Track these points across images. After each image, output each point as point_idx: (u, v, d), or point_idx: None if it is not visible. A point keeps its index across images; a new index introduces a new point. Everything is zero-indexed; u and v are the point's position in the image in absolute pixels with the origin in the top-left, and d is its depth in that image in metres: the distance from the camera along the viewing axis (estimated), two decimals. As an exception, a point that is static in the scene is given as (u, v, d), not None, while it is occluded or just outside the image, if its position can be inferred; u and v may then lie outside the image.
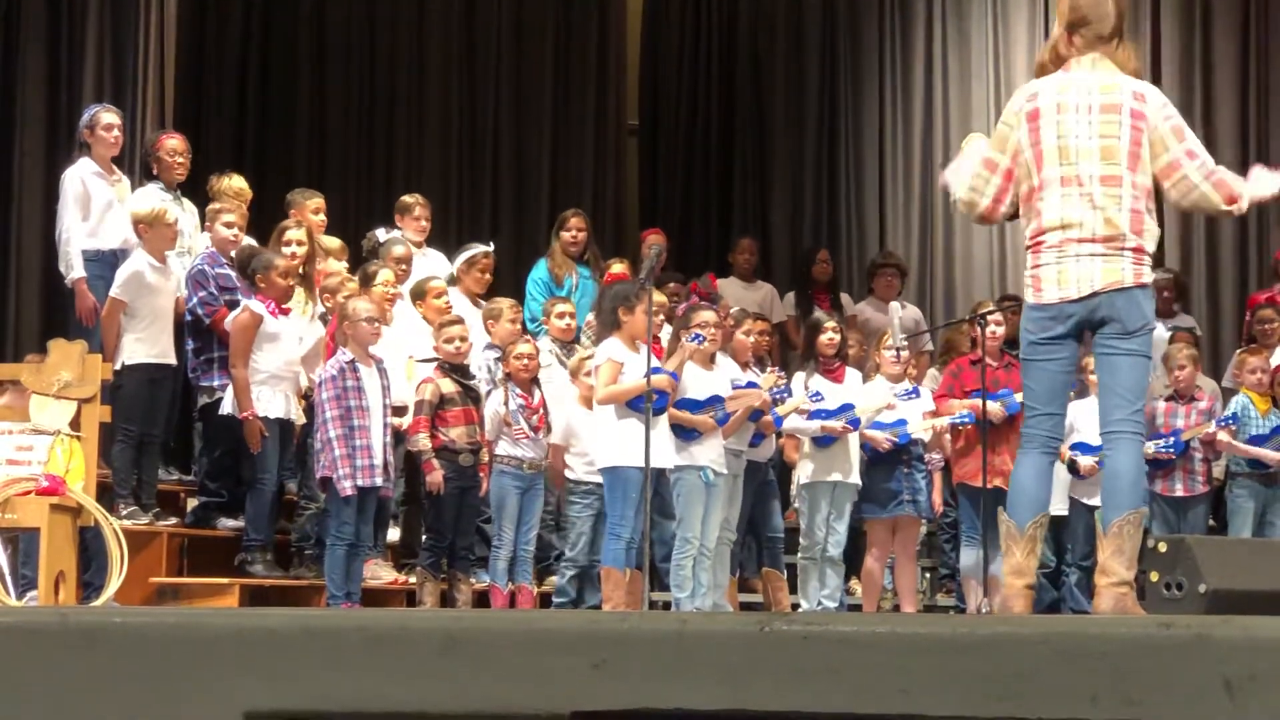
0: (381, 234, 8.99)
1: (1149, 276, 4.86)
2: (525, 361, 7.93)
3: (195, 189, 8.62)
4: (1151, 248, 4.86)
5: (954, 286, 11.82)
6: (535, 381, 8.06)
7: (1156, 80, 11.26)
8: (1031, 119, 4.89)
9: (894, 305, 8.72)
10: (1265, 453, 8.44)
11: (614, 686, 2.25)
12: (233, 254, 7.98)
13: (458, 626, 2.32)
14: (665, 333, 8.01)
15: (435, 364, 7.93)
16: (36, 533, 6.02)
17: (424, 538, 7.86)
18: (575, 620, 2.37)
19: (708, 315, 7.63)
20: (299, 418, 7.80)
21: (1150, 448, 8.22)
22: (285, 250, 7.99)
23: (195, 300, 7.80)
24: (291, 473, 8.01)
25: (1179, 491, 8.51)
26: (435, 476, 7.65)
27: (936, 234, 11.93)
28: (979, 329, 8.26)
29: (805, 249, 11.33)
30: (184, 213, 8.26)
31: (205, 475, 7.97)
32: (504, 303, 8.56)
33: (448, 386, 7.76)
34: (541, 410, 7.97)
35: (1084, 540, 8.15)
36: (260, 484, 7.53)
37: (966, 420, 8.07)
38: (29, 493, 6.04)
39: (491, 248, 9.29)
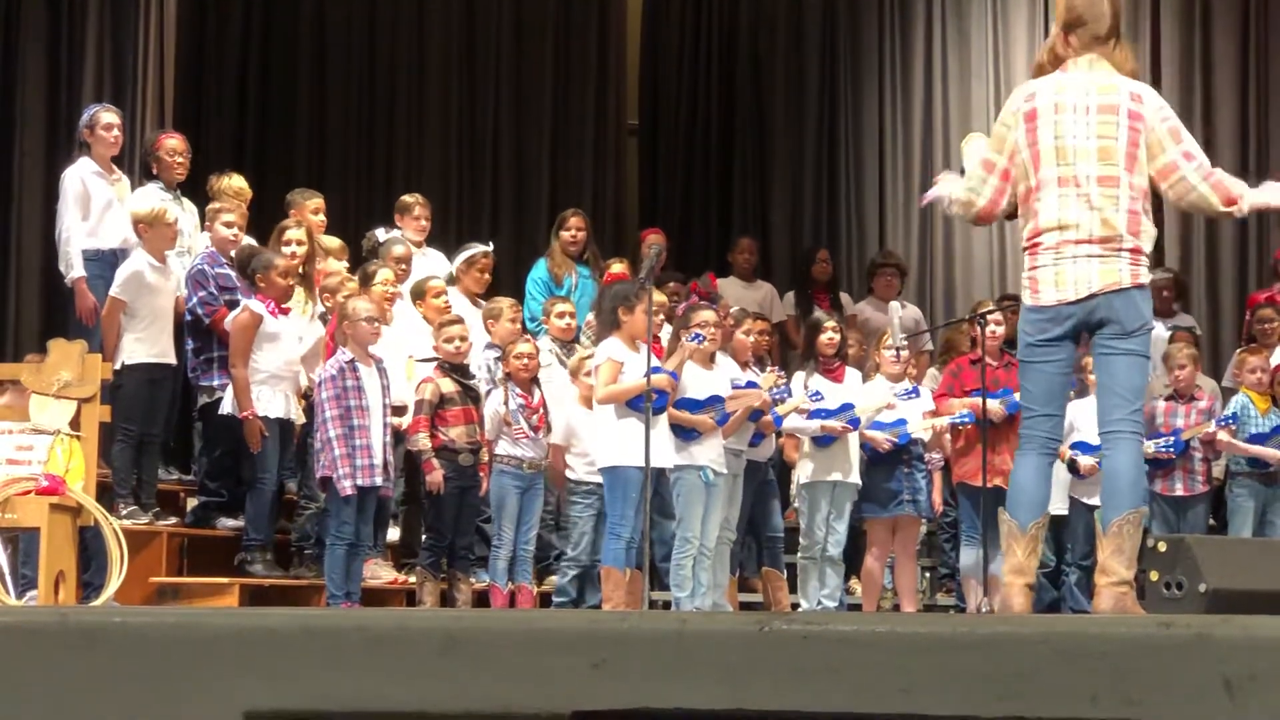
0: (381, 234, 8.99)
1: (1146, 277, 4.86)
2: (525, 361, 7.93)
3: (195, 189, 8.62)
4: (1148, 248, 4.87)
5: (954, 286, 11.83)
6: (535, 381, 8.05)
7: (1156, 80, 11.28)
8: (1029, 119, 4.89)
9: (894, 305, 8.72)
10: (1266, 451, 8.44)
11: (614, 686, 2.25)
12: (232, 254, 7.99)
13: (457, 626, 2.31)
14: (665, 332, 8.01)
15: (435, 363, 7.93)
16: (36, 532, 6.02)
17: (424, 537, 7.86)
18: (575, 620, 2.37)
19: (707, 315, 7.63)
20: (299, 417, 7.80)
21: (1150, 447, 8.23)
22: (285, 250, 7.99)
23: (195, 300, 7.81)
24: (291, 472, 8.01)
25: (1179, 491, 8.51)
26: (435, 476, 7.65)
27: (936, 234, 11.93)
28: (979, 328, 8.27)
29: (805, 249, 11.33)
30: (184, 212, 8.26)
31: (205, 475, 7.97)
32: (504, 302, 8.57)
33: (447, 386, 7.76)
34: (541, 410, 7.97)
35: (1084, 540, 8.16)
36: (260, 484, 7.53)
37: (967, 420, 8.07)
38: (29, 492, 6.04)
39: (490, 247, 9.29)
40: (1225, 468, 8.65)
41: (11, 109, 9.51)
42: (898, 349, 8.25)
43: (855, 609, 8.16)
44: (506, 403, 7.88)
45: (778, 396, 7.86)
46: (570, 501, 8.02)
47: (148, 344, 7.66)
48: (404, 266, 8.70)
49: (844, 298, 10.67)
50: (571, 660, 2.26)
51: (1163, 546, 4.97)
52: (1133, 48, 5.24)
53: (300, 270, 8.01)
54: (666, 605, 7.64)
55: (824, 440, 8.01)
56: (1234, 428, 8.45)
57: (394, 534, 8.42)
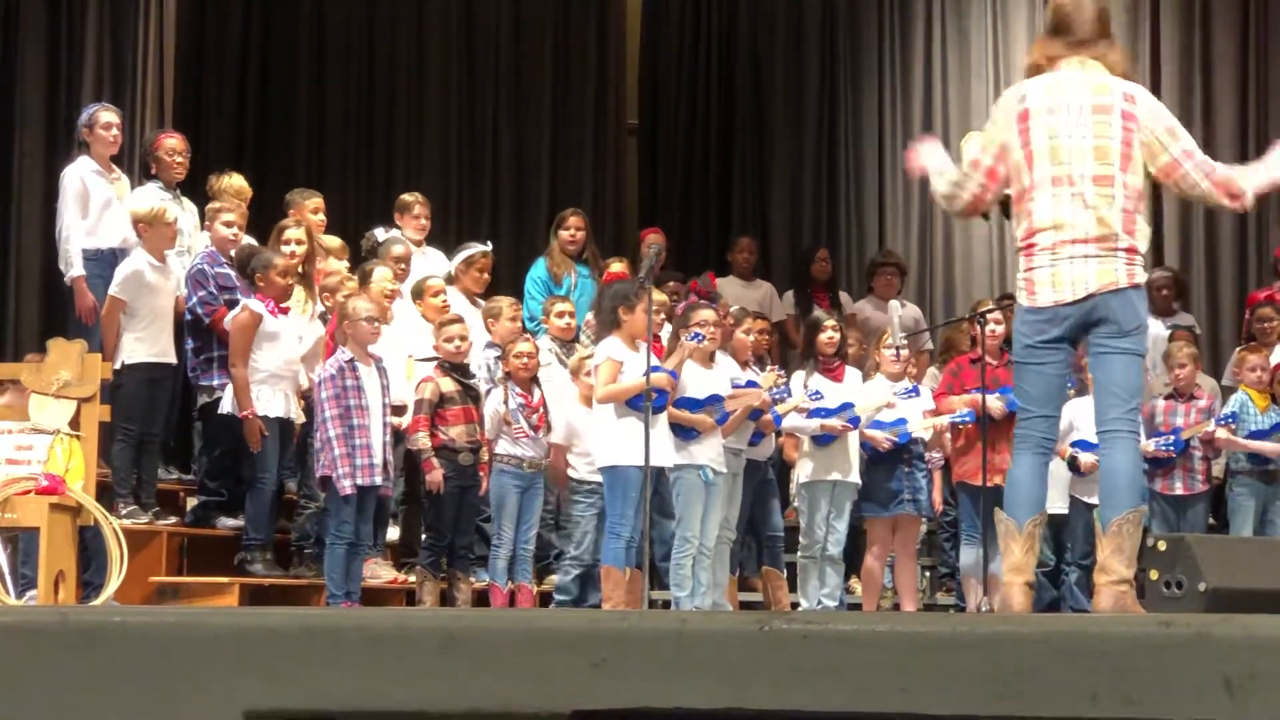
0: (381, 233, 8.99)
1: (1142, 276, 4.87)
2: (525, 360, 7.92)
3: (195, 188, 8.62)
4: (1144, 248, 4.88)
5: (953, 285, 11.83)
6: (535, 380, 8.05)
7: (1156, 80, 11.29)
8: (1022, 120, 4.90)
9: (893, 304, 8.72)
10: (1266, 445, 8.44)
11: (614, 685, 2.25)
12: (232, 253, 7.98)
13: (457, 626, 2.31)
14: (666, 331, 8.01)
15: (435, 363, 7.93)
16: (36, 532, 6.02)
17: (424, 537, 7.86)
18: (575, 619, 2.37)
19: (707, 314, 7.63)
20: (299, 417, 7.80)
21: (1150, 445, 8.24)
22: (284, 249, 7.99)
23: (195, 299, 7.80)
24: (291, 472, 8.01)
25: (1179, 490, 8.51)
26: (435, 475, 7.65)
27: (936, 233, 11.93)
28: (979, 327, 8.27)
29: (805, 248, 11.33)
30: (183, 212, 8.26)
31: (205, 474, 7.97)
32: (504, 301, 8.56)
33: (447, 385, 7.76)
34: (541, 409, 7.97)
35: (1084, 539, 8.15)
36: (260, 483, 7.53)
37: (967, 419, 8.07)
38: (29, 492, 6.04)
39: (489, 247, 9.28)
40: (1225, 466, 8.65)
41: (11, 108, 9.50)
42: (897, 348, 8.25)
43: (855, 608, 8.16)
44: (506, 402, 7.87)
45: (777, 396, 7.86)
46: (572, 501, 8.01)
47: (147, 343, 7.65)
48: (403, 266, 8.69)
49: (843, 297, 10.67)
50: (571, 660, 2.26)
51: (1162, 545, 4.98)
52: (1126, 48, 5.26)
53: (300, 270, 8.01)
54: (666, 605, 7.64)
55: (824, 439, 8.01)
56: (1233, 426, 8.45)
57: (394, 533, 8.42)
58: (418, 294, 8.51)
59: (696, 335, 7.39)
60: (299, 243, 8.09)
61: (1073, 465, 8.21)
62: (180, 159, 8.34)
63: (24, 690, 2.34)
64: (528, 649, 2.28)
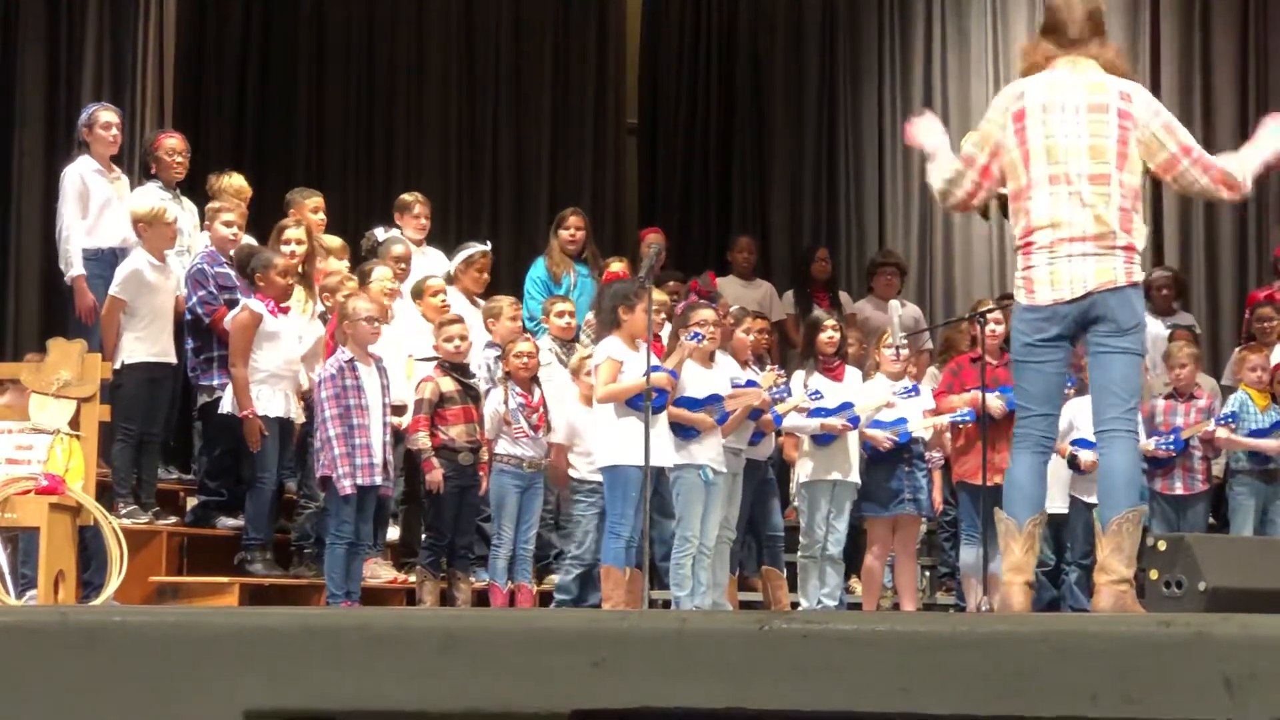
0: (380, 233, 8.99)
1: (1140, 275, 4.89)
2: (525, 360, 7.92)
3: (195, 188, 8.62)
4: (1141, 246, 4.90)
5: (953, 285, 11.83)
6: (535, 380, 8.05)
7: (1156, 80, 11.28)
8: (1018, 119, 4.91)
9: (893, 303, 8.73)
10: (1266, 443, 8.44)
11: (614, 685, 2.25)
12: (232, 253, 7.98)
13: (457, 625, 2.31)
14: (666, 331, 8.01)
15: (435, 363, 7.93)
16: (36, 532, 6.02)
17: (423, 536, 7.86)
18: (575, 619, 2.37)
19: (706, 314, 7.63)
20: (299, 416, 7.80)
21: (1150, 444, 8.25)
22: (284, 249, 7.99)
23: (195, 299, 7.80)
24: (291, 472, 8.01)
25: (1179, 490, 8.51)
26: (435, 475, 7.65)
27: (936, 232, 11.93)
28: (979, 327, 8.26)
29: (804, 248, 11.33)
30: (183, 212, 8.26)
31: (205, 474, 7.97)
32: (504, 301, 8.56)
33: (447, 385, 7.76)
34: (541, 409, 7.97)
35: (1084, 538, 8.15)
36: (260, 483, 7.53)
37: (967, 418, 8.07)
38: (28, 492, 6.04)
39: (489, 247, 9.28)
40: (1225, 466, 8.65)
41: (11, 108, 9.50)
42: (897, 347, 8.26)
43: (855, 608, 8.16)
44: (506, 402, 7.87)
45: (777, 395, 7.85)
46: (573, 500, 8.01)
47: (147, 343, 7.65)
48: (403, 265, 8.69)
49: (843, 296, 10.67)
50: (571, 659, 2.26)
51: (1162, 545, 4.98)
52: (1120, 46, 5.27)
53: (300, 269, 8.01)
54: (666, 604, 7.64)
55: (824, 439, 8.01)
56: (1233, 426, 8.45)
57: (394, 533, 8.42)
58: (418, 294, 8.51)
59: (696, 335, 7.39)
60: (299, 242, 8.09)
61: (1073, 463, 8.21)
62: (180, 159, 8.34)
63: (24, 690, 2.34)
64: (528, 649, 2.28)
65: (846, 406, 8.00)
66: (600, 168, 12.28)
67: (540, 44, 12.26)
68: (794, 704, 2.22)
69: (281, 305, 7.69)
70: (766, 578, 8.16)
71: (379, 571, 8.01)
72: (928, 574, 9.15)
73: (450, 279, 8.93)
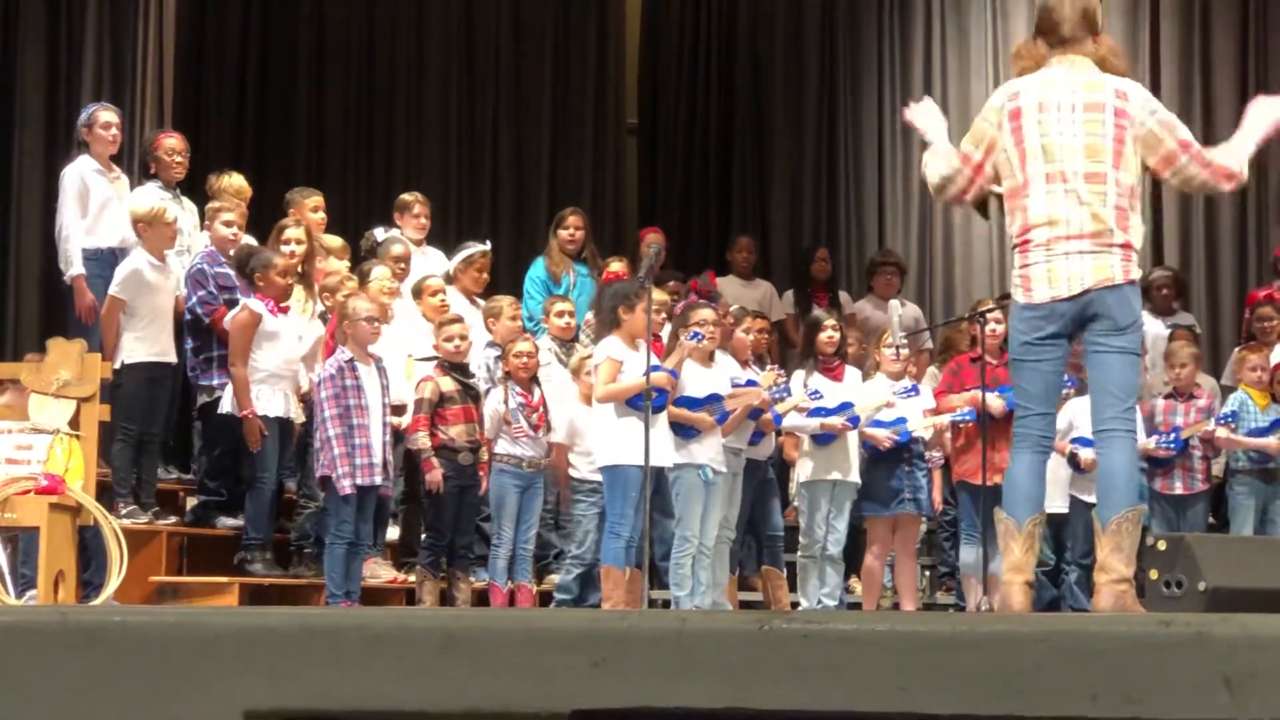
0: (380, 233, 8.99)
1: (1137, 273, 4.90)
2: (524, 359, 7.92)
3: (194, 188, 8.62)
4: (1138, 244, 4.90)
5: (953, 284, 11.83)
6: (535, 380, 8.05)
7: (1156, 80, 11.29)
8: (1013, 118, 4.93)
9: (893, 303, 8.73)
10: (1266, 441, 8.43)
11: (614, 685, 2.25)
12: (231, 253, 7.98)
13: (457, 625, 2.31)
14: (666, 331, 8.00)
15: (435, 362, 7.93)
16: (36, 532, 6.02)
17: (423, 536, 7.86)
18: (575, 619, 2.37)
19: (706, 313, 7.63)
20: (298, 416, 7.80)
21: (1151, 441, 8.26)
22: (284, 249, 7.99)
23: (194, 299, 7.81)
24: (291, 471, 8.01)
25: (1178, 490, 8.51)
26: (435, 475, 7.65)
27: (936, 232, 11.94)
28: (979, 327, 8.27)
29: (804, 247, 11.33)
30: (183, 211, 8.26)
31: (205, 474, 7.97)
32: (504, 301, 8.56)
33: (447, 385, 7.76)
34: (541, 409, 7.97)
35: (1084, 538, 8.14)
36: (260, 483, 7.53)
37: (968, 418, 8.07)
38: (28, 492, 6.04)
39: (488, 246, 9.28)
40: (1225, 466, 8.65)
41: (11, 108, 9.50)
42: (897, 347, 8.26)
43: (855, 608, 8.16)
44: (506, 401, 7.87)
45: (777, 395, 7.85)
46: (574, 500, 8.01)
47: (147, 343, 7.66)
48: (402, 265, 8.69)
49: (843, 296, 10.67)
50: (571, 659, 2.26)
51: (1162, 545, 4.97)
52: (1116, 44, 5.29)
53: (299, 269, 8.01)
54: (666, 604, 7.63)
55: (824, 439, 8.01)
56: (1233, 425, 8.45)
57: (393, 533, 8.42)
58: (417, 293, 8.51)
59: (696, 334, 7.39)
60: (298, 242, 8.09)
61: (1073, 461, 8.20)
62: (180, 159, 8.34)
63: (24, 690, 2.34)
64: (527, 649, 2.28)
65: (846, 406, 8.00)
66: (600, 168, 12.28)
67: (540, 44, 12.27)
68: (794, 704, 2.22)
69: (281, 305, 7.69)
70: (766, 577, 8.16)
71: (379, 571, 8.01)
72: (927, 574, 9.15)
73: (450, 279, 8.93)
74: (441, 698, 2.27)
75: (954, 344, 9.06)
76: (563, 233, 9.51)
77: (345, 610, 5.47)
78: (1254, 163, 5.14)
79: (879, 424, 8.09)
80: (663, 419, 7.24)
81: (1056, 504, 7.81)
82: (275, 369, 7.59)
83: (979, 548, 7.90)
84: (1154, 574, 4.94)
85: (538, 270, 9.48)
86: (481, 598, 7.96)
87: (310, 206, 8.77)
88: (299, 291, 7.94)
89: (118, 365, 7.45)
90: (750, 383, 7.81)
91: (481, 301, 8.85)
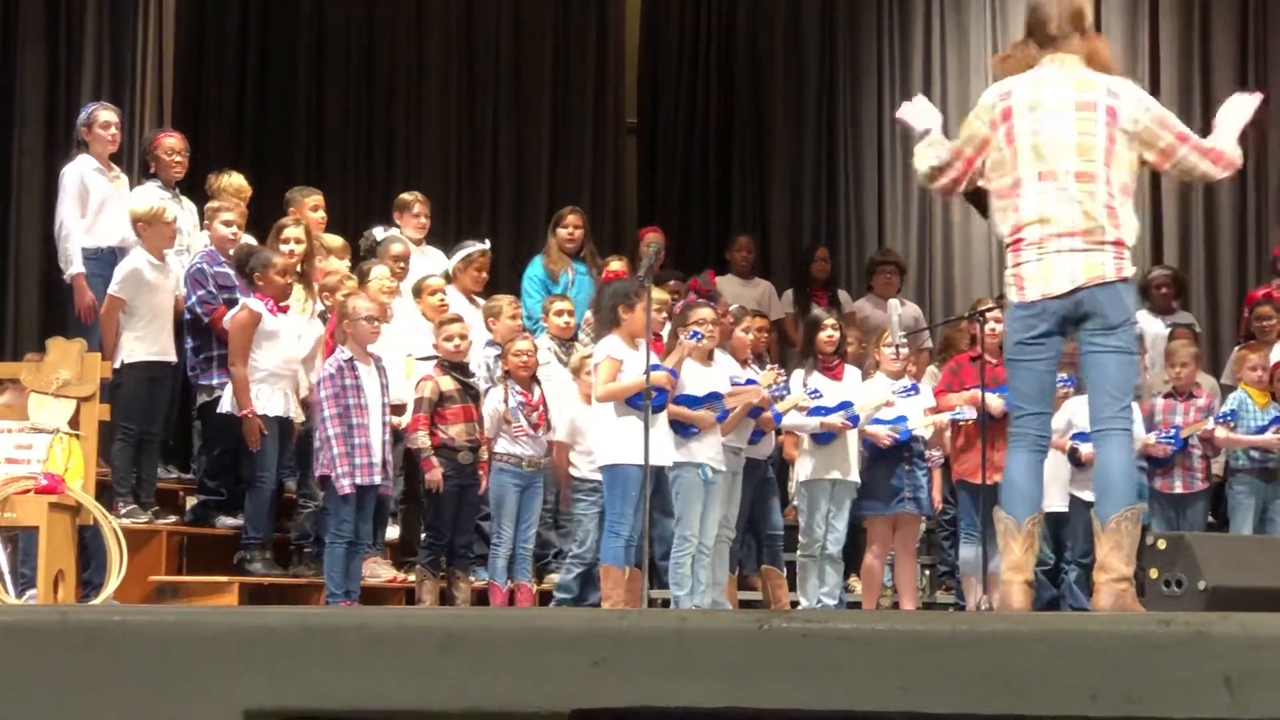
0: (379, 232, 8.98)
1: (1130, 270, 4.91)
2: (524, 358, 7.92)
3: (194, 187, 8.61)
4: (1131, 241, 4.91)
5: (953, 284, 11.83)
6: (535, 379, 8.05)
7: (1156, 80, 11.28)
8: (1005, 117, 4.95)
9: (893, 302, 8.73)
10: (1266, 439, 8.43)
11: (613, 684, 2.25)
12: (231, 252, 7.98)
13: (457, 625, 2.31)
14: (666, 330, 8.00)
15: (434, 362, 7.93)
16: (35, 531, 6.02)
17: (423, 536, 7.86)
18: (574, 618, 2.37)
19: (705, 312, 7.63)
20: (298, 416, 7.79)
21: (1151, 437, 8.26)
22: (283, 248, 7.99)
23: (194, 298, 7.80)
24: (291, 471, 8.00)
25: (1178, 489, 8.51)
26: (434, 474, 7.65)
27: (935, 231, 11.93)
28: (978, 326, 8.26)
29: (804, 247, 11.34)
30: (182, 211, 8.26)
31: (204, 473, 7.96)
32: (504, 300, 8.56)
33: (447, 384, 7.76)
34: (541, 408, 7.97)
35: (1083, 537, 8.13)
36: (259, 482, 7.53)
37: (968, 417, 8.07)
38: (28, 491, 6.04)
39: (488, 246, 9.28)
40: (1225, 465, 8.65)
41: (10, 107, 9.49)
42: (897, 346, 8.26)
43: (855, 607, 8.16)
44: (506, 401, 7.87)
45: (777, 394, 7.85)
46: (574, 499, 8.01)
47: (147, 342, 7.65)
48: (402, 265, 8.69)
49: (843, 295, 10.67)
50: (571, 658, 2.26)
51: (1162, 544, 4.97)
52: (1106, 43, 5.32)
53: (299, 268, 8.00)
54: (666, 603, 7.63)
55: (823, 438, 8.01)
56: (1233, 424, 8.46)
57: (393, 532, 8.42)
58: (417, 293, 8.51)
59: (695, 333, 7.39)
60: (298, 241, 8.08)
61: (1074, 457, 8.19)
62: (179, 158, 8.34)
63: (24, 690, 2.34)
64: (527, 648, 2.28)
65: (846, 405, 8.00)
66: (600, 167, 12.28)
67: (540, 44, 12.27)
68: (794, 703, 2.22)
69: (281, 304, 7.69)
70: (766, 577, 8.16)
71: (378, 571, 8.01)
72: (927, 573, 9.15)
73: (449, 278, 8.93)
74: (441, 697, 2.27)
75: (954, 343, 9.06)
76: (561, 231, 9.51)
77: (345, 610, 5.47)
78: (1254, 163, 5.16)
79: (879, 423, 8.09)
80: (662, 418, 7.24)
81: (1056, 503, 7.82)
82: (275, 368, 7.59)
83: (979, 547, 7.90)
84: (1154, 573, 4.94)
85: (535, 269, 9.47)
86: (481, 597, 7.96)
87: (310, 206, 8.77)
88: (299, 291, 7.93)
89: (117, 365, 7.45)
90: (750, 382, 7.81)
91: (481, 301, 8.85)
